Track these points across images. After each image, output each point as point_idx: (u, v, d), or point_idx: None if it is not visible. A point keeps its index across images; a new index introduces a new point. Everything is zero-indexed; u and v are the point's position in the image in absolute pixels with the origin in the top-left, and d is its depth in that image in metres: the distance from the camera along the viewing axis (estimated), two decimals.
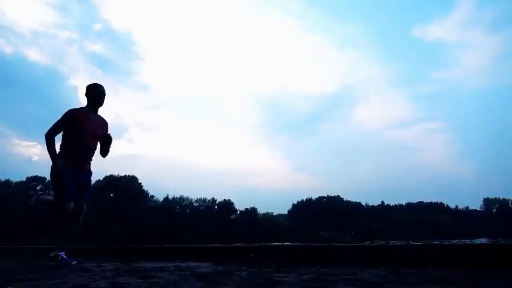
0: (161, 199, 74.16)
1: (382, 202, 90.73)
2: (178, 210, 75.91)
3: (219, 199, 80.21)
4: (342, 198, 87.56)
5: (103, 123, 3.53)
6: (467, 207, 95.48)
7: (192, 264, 3.00)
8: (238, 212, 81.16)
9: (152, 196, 71.59)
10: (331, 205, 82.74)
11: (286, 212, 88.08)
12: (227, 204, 79.88)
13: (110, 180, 64.56)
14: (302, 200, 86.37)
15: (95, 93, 3.42)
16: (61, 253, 3.18)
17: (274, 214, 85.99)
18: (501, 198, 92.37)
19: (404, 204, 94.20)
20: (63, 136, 3.35)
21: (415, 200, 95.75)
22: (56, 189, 3.25)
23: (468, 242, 2.71)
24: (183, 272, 2.47)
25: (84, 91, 3.47)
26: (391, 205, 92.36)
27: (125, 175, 66.48)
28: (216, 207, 79.68)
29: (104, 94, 3.43)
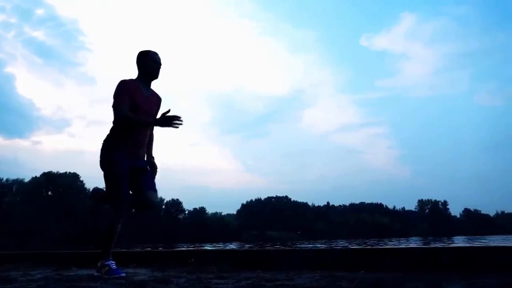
0: None
1: (328, 203, 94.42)
2: None
3: (167, 198, 78.43)
4: (290, 199, 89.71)
5: (157, 99, 2.87)
6: (403, 208, 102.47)
7: (130, 271, 2.89)
8: (186, 212, 79.98)
9: None
10: (279, 205, 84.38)
11: (235, 212, 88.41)
12: (175, 204, 78.33)
13: (49, 177, 60.23)
14: (251, 200, 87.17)
15: (151, 62, 2.76)
16: (108, 262, 2.58)
17: (223, 214, 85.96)
18: (433, 199, 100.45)
19: (347, 204, 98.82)
20: (114, 116, 2.68)
21: (357, 201, 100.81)
22: (110, 181, 2.63)
23: (399, 246, 2.90)
24: (118, 280, 2.38)
25: (136, 59, 2.81)
26: (335, 205, 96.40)
27: (66, 172, 62.44)
28: (163, 206, 77.70)
29: (161, 64, 2.77)
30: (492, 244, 12.52)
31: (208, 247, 17.19)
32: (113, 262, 2.60)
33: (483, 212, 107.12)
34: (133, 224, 66.78)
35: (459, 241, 17.08)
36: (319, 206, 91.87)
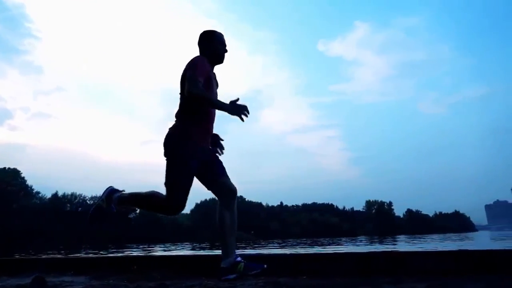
0: (48, 195, 66.71)
1: (281, 203, 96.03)
2: (68, 209, 68.98)
3: None
4: (245, 199, 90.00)
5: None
6: (352, 208, 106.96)
7: (67, 279, 2.74)
8: (138, 211, 77.38)
9: (38, 192, 63.70)
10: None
11: (188, 212, 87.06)
12: None
13: None
14: (206, 200, 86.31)
15: (218, 44, 2.38)
16: (238, 259, 2.26)
17: None
18: (379, 200, 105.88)
19: (300, 205, 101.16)
20: (185, 99, 2.26)
21: (310, 201, 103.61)
22: (179, 178, 2.23)
23: (341, 251, 3.00)
24: None
25: (199, 40, 2.42)
26: (289, 205, 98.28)
27: (4, 168, 57.88)
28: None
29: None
30: (429, 242, 13.43)
31: (159, 248, 16.77)
32: (240, 258, 2.29)
33: (423, 212, 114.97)
34: (81, 224, 63.49)
35: (401, 241, 18.13)
36: (272, 206, 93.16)
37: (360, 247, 12.08)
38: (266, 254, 2.58)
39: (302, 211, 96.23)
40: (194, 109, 2.25)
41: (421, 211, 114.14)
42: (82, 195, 72.98)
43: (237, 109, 2.13)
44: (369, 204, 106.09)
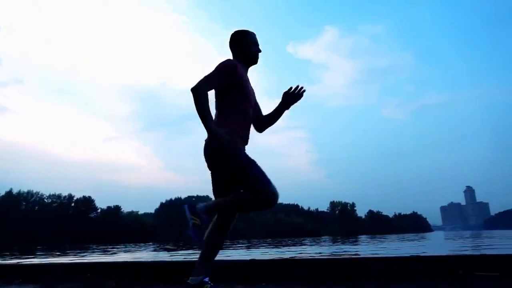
0: (2, 193, 63.07)
1: None
2: (24, 207, 65.46)
3: (77, 195, 72.61)
4: (211, 198, 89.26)
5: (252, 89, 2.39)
6: (317, 209, 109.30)
7: None
8: (99, 210, 74.76)
9: None
10: None
11: (153, 211, 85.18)
12: (87, 201, 72.74)
13: None
14: (171, 199, 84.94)
15: (252, 44, 2.28)
16: (206, 279, 2.09)
17: (140, 213, 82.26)
18: (343, 201, 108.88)
19: None
20: (220, 101, 2.17)
21: None
22: (249, 171, 2.05)
23: (300, 257, 3.01)
24: None
25: (231, 40, 2.32)
26: None
27: None
28: (73, 204, 71.65)
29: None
30: (389, 242, 13.96)
31: (120, 249, 16.29)
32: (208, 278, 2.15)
33: (384, 213, 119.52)
34: (37, 223, 60.38)
35: (363, 241, 18.71)
36: None
37: (323, 248, 12.34)
38: (226, 260, 2.55)
39: (268, 211, 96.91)
40: (227, 107, 2.15)
41: (381, 212, 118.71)
42: (40, 193, 69.62)
43: (219, 139, 1.99)
44: (333, 205, 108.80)
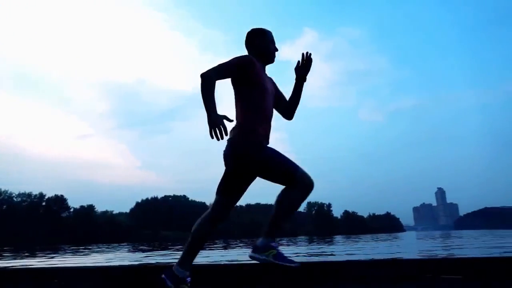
0: None
1: None
2: None
3: (49, 194, 70.25)
4: (188, 198, 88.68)
5: (274, 83, 2.37)
6: None
7: None
8: (72, 210, 72.64)
9: None
10: (177, 205, 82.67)
11: (128, 211, 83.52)
12: (58, 200, 70.52)
13: None
14: (147, 199, 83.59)
15: (269, 43, 2.25)
16: (189, 279, 2.03)
17: (115, 212, 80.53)
18: (319, 202, 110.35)
19: (244, 205, 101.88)
20: (239, 99, 2.15)
21: (253, 202, 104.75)
22: (274, 164, 2.08)
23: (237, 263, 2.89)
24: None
25: (248, 38, 2.28)
26: None
27: None
28: (44, 203, 69.27)
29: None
30: (363, 242, 14.20)
31: (92, 250, 15.88)
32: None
33: (359, 213, 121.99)
34: (5, 223, 57.89)
35: (338, 242, 19.00)
36: None
37: (299, 248, 12.44)
38: (195, 264, 2.49)
39: (245, 211, 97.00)
40: (246, 103, 2.13)
41: (357, 213, 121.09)
42: (8, 192, 66.95)
43: (213, 124, 1.90)
44: (310, 205, 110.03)
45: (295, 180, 2.08)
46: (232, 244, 18.63)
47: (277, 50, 2.28)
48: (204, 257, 7.56)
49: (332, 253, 8.24)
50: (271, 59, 2.27)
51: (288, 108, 2.43)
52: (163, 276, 2.04)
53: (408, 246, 10.46)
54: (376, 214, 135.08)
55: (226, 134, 1.90)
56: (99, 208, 77.75)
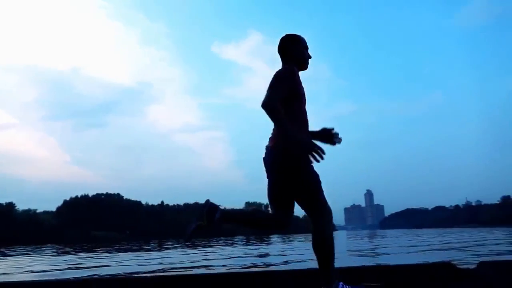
0: None
1: (162, 202, 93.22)
2: None
3: None
4: (123, 197, 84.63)
5: None
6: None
7: None
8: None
9: None
10: (110, 203, 78.45)
11: (54, 209, 77.26)
12: None
13: None
14: (77, 197, 78.04)
15: (305, 50, 2.17)
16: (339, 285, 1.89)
17: (39, 211, 74.00)
18: (258, 202, 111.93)
19: (182, 204, 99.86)
20: (284, 111, 1.95)
21: (192, 201, 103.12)
22: (317, 190, 1.99)
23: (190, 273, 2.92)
24: None
25: (283, 44, 2.16)
26: (170, 205, 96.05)
27: None
28: None
29: None
30: (297, 242, 14.70)
31: (7, 251, 14.50)
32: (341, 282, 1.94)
33: (295, 214, 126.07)
34: None
35: (274, 242, 19.53)
36: (153, 205, 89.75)
37: (235, 248, 12.58)
38: (119, 277, 2.39)
39: (183, 210, 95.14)
40: (295, 122, 2.01)
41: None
42: None
43: (307, 149, 1.85)
44: (248, 205, 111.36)
45: (325, 214, 2.03)
46: (168, 246, 18.20)
47: (310, 57, 2.22)
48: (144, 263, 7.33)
49: (268, 253, 8.47)
50: (305, 66, 2.22)
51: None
52: None
53: (340, 246, 11.11)
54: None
55: (324, 153, 1.86)
56: (21, 206, 71.07)
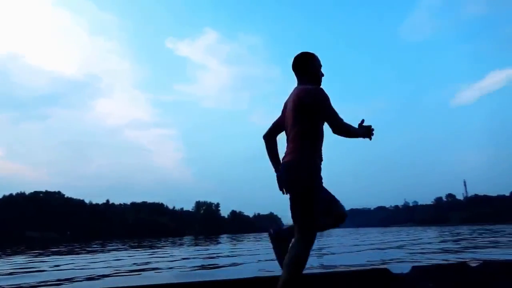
0: None
1: (107, 201, 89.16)
2: None
3: None
4: (64, 195, 79.57)
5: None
6: (182, 208, 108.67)
7: None
8: None
9: None
10: (49, 202, 73.36)
11: None
12: None
13: None
14: (11, 195, 71.97)
15: (319, 67, 2.32)
16: None
17: None
18: (208, 201, 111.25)
19: (129, 203, 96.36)
20: (309, 129, 2.14)
21: (139, 200, 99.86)
22: (315, 209, 2.10)
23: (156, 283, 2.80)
24: None
25: (299, 61, 2.30)
26: (115, 204, 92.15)
27: None
28: None
29: None
30: (246, 242, 14.73)
31: None
32: None
33: (245, 213, 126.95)
34: None
35: (223, 241, 19.46)
36: (97, 204, 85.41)
37: (182, 249, 12.36)
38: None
39: (130, 209, 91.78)
40: (313, 141, 2.16)
41: (243, 212, 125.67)
42: None
43: (368, 132, 2.20)
44: (198, 204, 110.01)
45: (307, 232, 2.10)
46: (110, 246, 17.37)
47: (323, 75, 2.35)
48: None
49: (218, 255, 8.44)
50: (319, 83, 2.32)
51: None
52: None
53: None
54: (261, 214, 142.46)
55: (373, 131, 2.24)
56: None
